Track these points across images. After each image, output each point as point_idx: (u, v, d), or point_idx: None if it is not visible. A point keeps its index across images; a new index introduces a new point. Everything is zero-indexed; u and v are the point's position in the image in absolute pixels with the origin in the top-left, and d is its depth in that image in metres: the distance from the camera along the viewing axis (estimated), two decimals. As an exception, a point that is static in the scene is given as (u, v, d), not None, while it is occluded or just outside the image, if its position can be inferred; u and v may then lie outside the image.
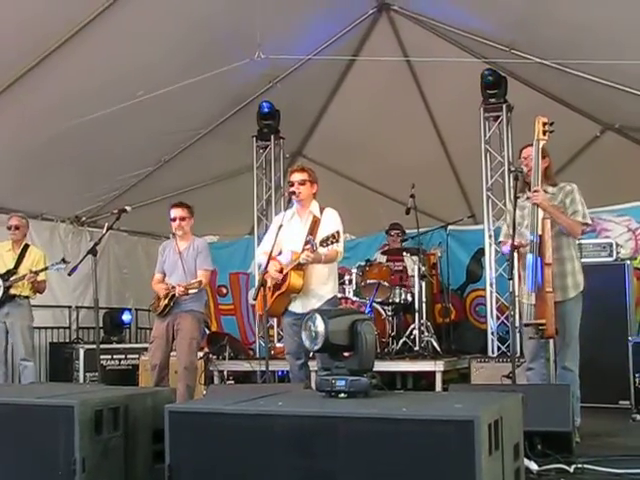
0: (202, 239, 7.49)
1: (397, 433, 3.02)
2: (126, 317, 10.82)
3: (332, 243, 5.72)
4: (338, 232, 5.75)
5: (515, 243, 5.46)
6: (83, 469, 3.62)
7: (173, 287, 6.98)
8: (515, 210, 5.52)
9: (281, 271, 6.06)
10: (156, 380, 7.09)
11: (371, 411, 3.20)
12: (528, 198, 5.66)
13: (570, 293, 5.55)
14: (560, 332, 5.42)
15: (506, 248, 5.74)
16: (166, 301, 7.01)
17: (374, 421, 3.11)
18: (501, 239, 6.10)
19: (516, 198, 5.59)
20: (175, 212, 7.17)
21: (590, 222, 5.82)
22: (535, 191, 5.45)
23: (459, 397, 3.95)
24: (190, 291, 6.92)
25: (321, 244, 5.73)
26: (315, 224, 6.06)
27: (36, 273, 7.87)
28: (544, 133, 5.55)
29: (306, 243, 5.84)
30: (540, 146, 5.54)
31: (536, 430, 4.54)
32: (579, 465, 4.40)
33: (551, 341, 5.85)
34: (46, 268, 8.01)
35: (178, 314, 7.05)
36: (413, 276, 9.09)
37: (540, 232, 5.38)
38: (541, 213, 5.43)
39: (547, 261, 5.34)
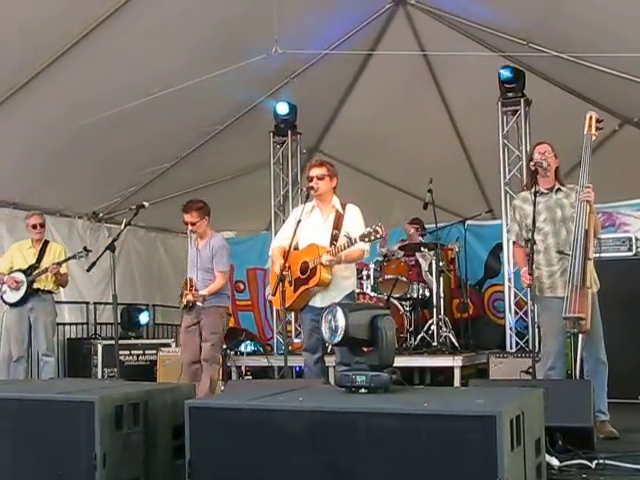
0: (219, 237, 7.58)
1: (419, 428, 3.01)
2: (143, 318, 10.82)
3: (373, 239, 5.69)
4: (380, 225, 5.64)
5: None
6: (104, 464, 3.62)
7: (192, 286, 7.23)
8: (535, 206, 5.52)
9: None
10: (190, 376, 7.30)
11: (392, 406, 3.19)
12: (542, 193, 5.69)
13: (594, 288, 5.53)
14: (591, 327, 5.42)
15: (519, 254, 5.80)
16: (185, 301, 7.24)
17: (395, 417, 3.10)
18: (512, 239, 6.10)
19: (535, 194, 5.58)
20: (185, 218, 7.31)
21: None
22: (587, 187, 5.41)
23: (480, 392, 3.94)
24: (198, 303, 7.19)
25: (361, 239, 5.68)
26: (339, 219, 6.05)
27: (59, 264, 7.94)
28: (596, 129, 5.56)
29: (349, 241, 5.79)
30: (592, 141, 5.53)
31: (557, 426, 4.51)
32: (601, 461, 4.37)
33: (580, 336, 5.83)
34: (69, 258, 8.08)
35: (201, 309, 7.25)
36: (427, 271, 9.11)
37: (587, 227, 5.34)
38: (587, 208, 5.40)
39: (590, 256, 5.32)
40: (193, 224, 7.28)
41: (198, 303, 7.17)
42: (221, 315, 7.44)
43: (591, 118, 5.60)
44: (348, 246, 5.78)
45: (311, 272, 6.00)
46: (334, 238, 5.97)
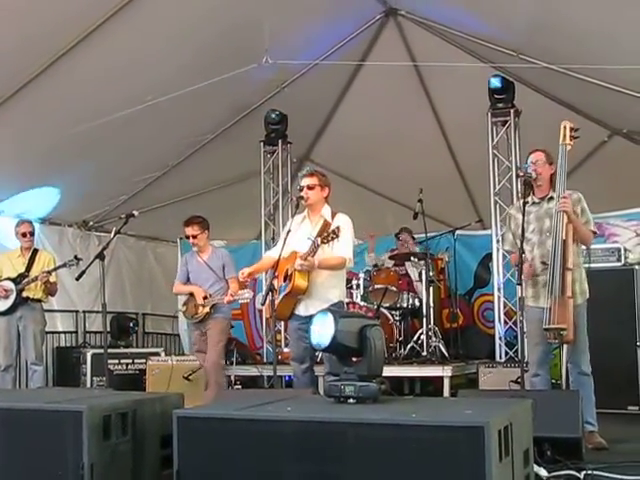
0: (223, 249, 8.07)
1: (407, 439, 3.01)
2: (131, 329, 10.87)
3: (332, 239, 5.73)
4: (338, 227, 5.74)
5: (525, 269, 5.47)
6: (91, 474, 3.60)
7: (211, 295, 7.50)
8: (524, 216, 5.53)
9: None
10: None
11: (381, 417, 3.19)
12: (534, 203, 5.70)
13: (578, 299, 5.51)
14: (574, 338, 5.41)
15: (515, 259, 5.81)
16: (207, 309, 7.48)
17: (384, 427, 3.09)
18: (507, 248, 6.13)
19: (525, 204, 5.59)
20: (187, 231, 7.63)
21: (597, 231, 5.85)
22: (564, 197, 5.42)
23: (468, 403, 3.94)
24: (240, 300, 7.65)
25: (322, 241, 5.73)
26: (325, 227, 6.04)
27: (49, 272, 7.92)
28: (571, 138, 5.55)
29: (313, 244, 5.85)
30: (566, 150, 5.54)
31: (545, 436, 4.51)
32: (589, 471, 4.37)
33: (565, 347, 5.83)
34: (60, 266, 8.06)
35: (209, 319, 7.52)
36: (418, 281, 9.11)
37: (564, 237, 5.36)
38: (565, 218, 5.41)
39: (569, 266, 5.32)
40: (194, 237, 7.57)
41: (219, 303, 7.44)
42: (227, 324, 7.78)
43: (565, 127, 5.60)
44: (314, 249, 5.83)
45: (289, 278, 6.03)
46: (312, 244, 5.97)
